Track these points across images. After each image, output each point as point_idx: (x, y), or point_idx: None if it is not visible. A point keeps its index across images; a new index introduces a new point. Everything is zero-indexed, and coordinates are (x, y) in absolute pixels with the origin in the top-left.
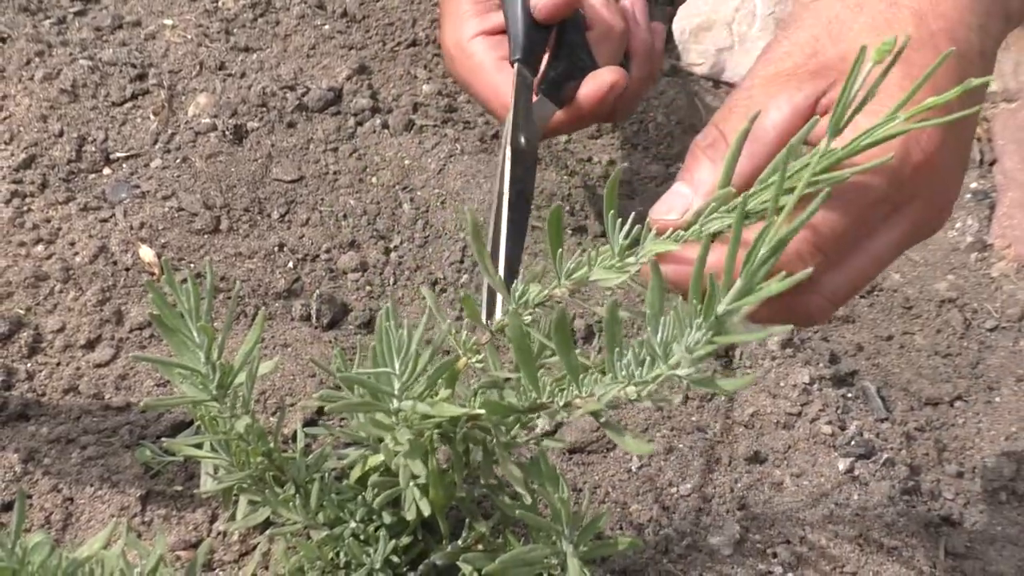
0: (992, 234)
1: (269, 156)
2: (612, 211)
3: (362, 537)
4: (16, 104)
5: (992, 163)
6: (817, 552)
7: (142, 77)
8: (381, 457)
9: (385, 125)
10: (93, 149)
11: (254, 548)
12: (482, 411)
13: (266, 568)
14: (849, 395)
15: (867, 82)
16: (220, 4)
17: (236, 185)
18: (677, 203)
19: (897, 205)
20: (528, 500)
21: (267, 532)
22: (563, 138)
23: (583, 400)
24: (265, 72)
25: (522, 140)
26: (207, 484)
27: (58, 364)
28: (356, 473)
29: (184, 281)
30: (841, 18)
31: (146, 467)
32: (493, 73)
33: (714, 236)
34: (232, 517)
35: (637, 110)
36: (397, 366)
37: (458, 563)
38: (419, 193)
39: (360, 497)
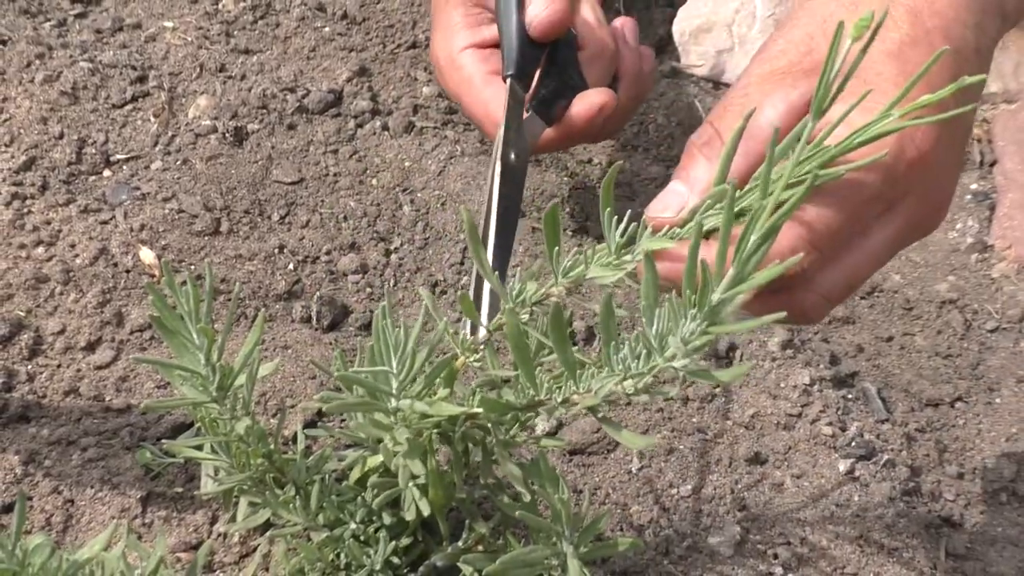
0: (992, 235)
1: (269, 158)
2: (608, 209)
3: (362, 538)
4: (16, 106)
5: (992, 164)
6: (818, 553)
7: (142, 79)
8: (380, 458)
9: (385, 127)
10: (93, 151)
11: (254, 550)
12: (480, 410)
13: (266, 570)
14: (849, 396)
15: (847, 61)
16: (220, 6)
17: (236, 187)
18: (673, 201)
19: (892, 202)
20: (528, 499)
21: (267, 534)
22: None
23: (581, 396)
24: (265, 74)
25: (512, 156)
26: (207, 486)
27: (59, 366)
28: (356, 474)
29: (184, 283)
30: (836, 16)
31: (146, 469)
32: (482, 87)
33: (708, 234)
34: (232, 519)
35: (635, 116)
36: (394, 365)
37: (458, 564)
38: (419, 195)
39: (360, 498)
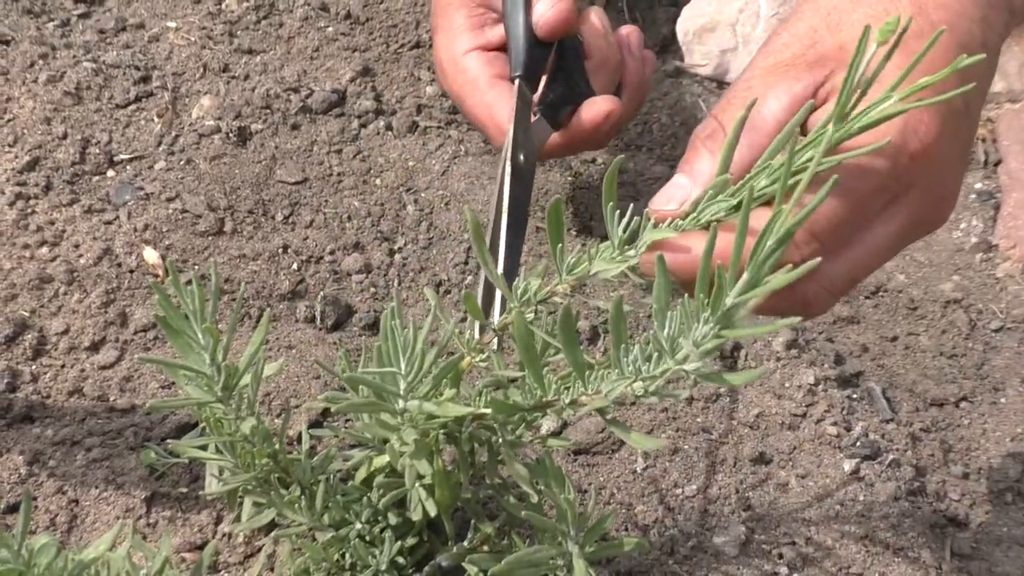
0: (997, 235)
1: (273, 158)
2: (611, 203)
3: (368, 538)
4: (20, 106)
5: (997, 164)
6: (823, 553)
7: (146, 79)
8: (386, 458)
9: (389, 127)
10: (97, 151)
11: (259, 550)
12: (487, 410)
13: (271, 570)
14: (854, 396)
15: (870, 66)
16: (223, 6)
17: (240, 187)
18: (676, 194)
19: (895, 195)
20: (534, 498)
21: (272, 534)
22: None
23: (589, 397)
24: (269, 74)
25: (521, 158)
26: (212, 486)
27: (63, 366)
28: (361, 474)
29: (189, 283)
30: (840, 8)
31: (151, 469)
32: (486, 90)
33: (706, 225)
34: (237, 519)
35: (639, 116)
36: (403, 366)
37: (464, 564)
38: (423, 195)
39: (366, 498)
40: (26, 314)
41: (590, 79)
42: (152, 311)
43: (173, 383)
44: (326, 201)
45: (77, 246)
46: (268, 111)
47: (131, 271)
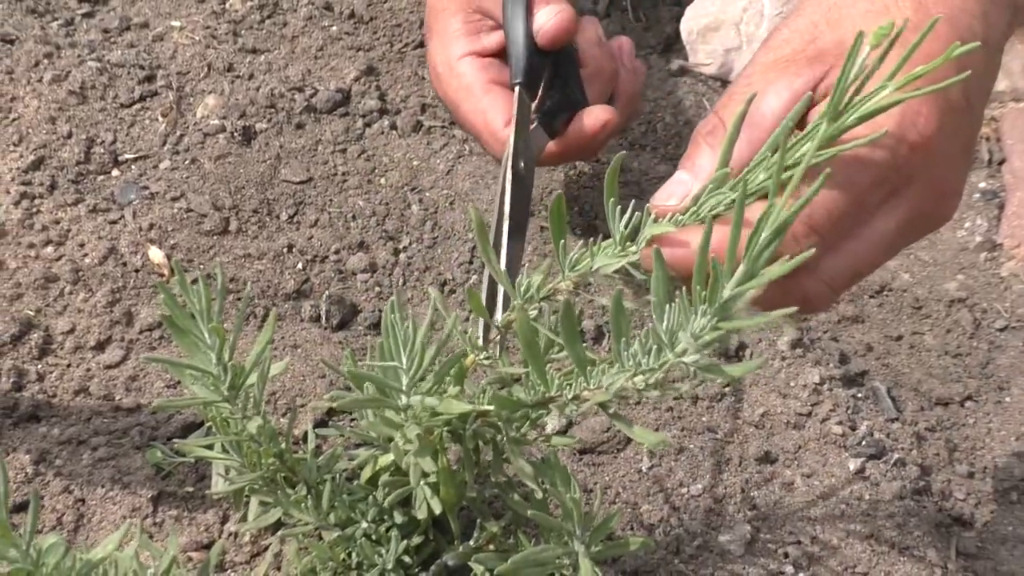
0: (1001, 234)
1: (278, 157)
2: (612, 199)
3: (374, 537)
4: (25, 106)
5: (1001, 163)
6: (828, 552)
7: (150, 79)
8: (391, 457)
9: (393, 126)
10: (102, 151)
11: (266, 549)
12: (492, 407)
13: (278, 569)
14: (859, 395)
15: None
16: (228, 6)
17: (245, 186)
18: (677, 190)
19: (896, 187)
20: (539, 495)
21: (279, 533)
22: None
23: (591, 392)
24: (273, 73)
25: (521, 165)
26: (218, 485)
27: (68, 365)
28: (367, 473)
29: (195, 282)
30: (840, 5)
31: (157, 468)
32: (481, 96)
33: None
34: (244, 518)
35: (643, 115)
36: (404, 360)
37: (470, 563)
38: (428, 194)
39: (371, 497)
40: (32, 313)
41: (585, 88)
42: (157, 310)
43: (179, 382)
44: (331, 200)
45: (82, 245)
46: (272, 110)
47: (136, 270)
